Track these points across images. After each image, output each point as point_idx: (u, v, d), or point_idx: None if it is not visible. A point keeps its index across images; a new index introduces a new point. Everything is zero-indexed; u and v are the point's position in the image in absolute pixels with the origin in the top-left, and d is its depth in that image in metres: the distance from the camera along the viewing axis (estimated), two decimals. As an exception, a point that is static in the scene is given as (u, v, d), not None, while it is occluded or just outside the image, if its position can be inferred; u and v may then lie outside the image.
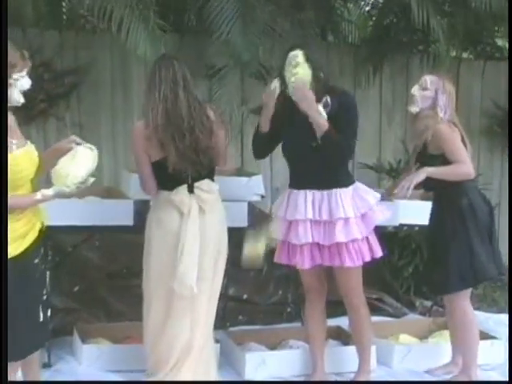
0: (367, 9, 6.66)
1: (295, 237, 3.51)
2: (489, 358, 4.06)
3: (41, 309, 2.95)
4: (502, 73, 5.85)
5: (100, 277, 4.52)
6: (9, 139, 2.78)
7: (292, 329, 4.38)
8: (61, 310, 4.23)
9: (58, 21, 5.18)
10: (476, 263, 3.66)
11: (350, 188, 3.53)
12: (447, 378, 3.86)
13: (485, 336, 4.24)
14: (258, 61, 5.01)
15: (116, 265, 4.56)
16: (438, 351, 4.08)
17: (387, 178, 5.70)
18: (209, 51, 4.94)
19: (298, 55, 3.43)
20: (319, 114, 3.41)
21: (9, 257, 2.75)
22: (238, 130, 5.67)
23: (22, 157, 2.82)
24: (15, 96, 2.81)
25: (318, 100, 3.43)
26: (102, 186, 4.41)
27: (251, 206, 4.11)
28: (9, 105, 2.79)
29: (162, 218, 3.41)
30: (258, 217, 4.53)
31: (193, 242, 3.34)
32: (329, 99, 3.45)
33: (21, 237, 2.82)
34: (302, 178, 3.53)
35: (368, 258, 3.54)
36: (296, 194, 3.54)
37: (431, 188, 3.79)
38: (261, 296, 4.72)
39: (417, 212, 4.16)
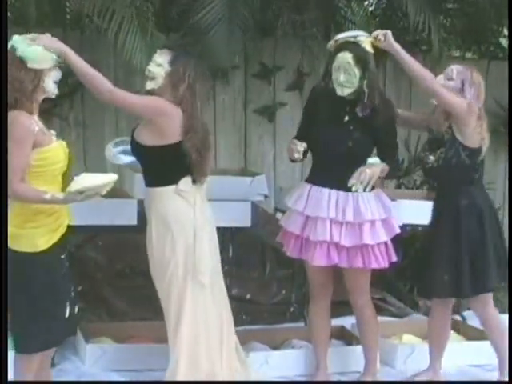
0: (371, 9, 6.64)
1: (313, 233, 3.50)
2: (492, 358, 4.05)
3: (68, 305, 3.02)
4: (506, 73, 5.84)
5: (103, 277, 4.52)
6: (49, 131, 2.96)
7: (295, 328, 4.38)
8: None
9: (61, 20, 5.18)
10: (479, 271, 3.57)
11: (374, 192, 3.54)
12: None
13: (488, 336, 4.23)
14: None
15: (119, 265, 4.56)
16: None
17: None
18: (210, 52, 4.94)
19: (348, 59, 3.39)
20: None
21: (39, 250, 2.87)
22: (242, 131, 5.69)
23: (58, 149, 2.96)
24: (51, 87, 2.95)
25: (363, 108, 3.44)
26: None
27: (254, 206, 4.12)
28: (45, 96, 2.96)
29: (174, 210, 3.34)
30: (262, 216, 4.54)
31: (203, 230, 3.34)
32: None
33: (51, 231, 2.93)
34: (327, 176, 3.50)
35: (394, 259, 3.57)
36: (318, 190, 3.52)
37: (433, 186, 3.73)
38: (264, 296, 4.72)
39: (420, 212, 4.13)
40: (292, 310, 4.74)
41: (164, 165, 3.31)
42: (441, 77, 3.56)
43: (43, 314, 2.91)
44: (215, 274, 3.41)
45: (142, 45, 4.37)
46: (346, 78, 3.41)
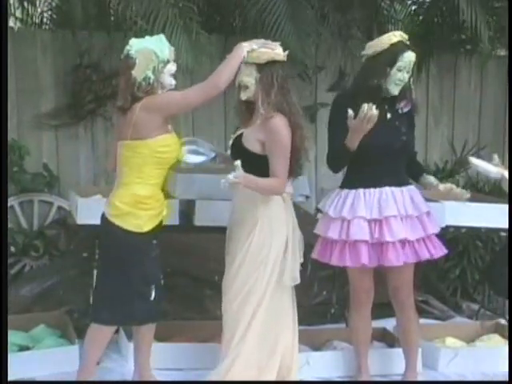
0: (414, 8, 6.58)
1: (389, 234, 3.41)
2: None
3: (154, 288, 3.17)
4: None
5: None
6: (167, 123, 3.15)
7: (336, 329, 4.36)
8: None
9: (106, 22, 5.25)
10: None
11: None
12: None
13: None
14: (312, 60, 5.04)
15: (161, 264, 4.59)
16: (487, 355, 4.01)
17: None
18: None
19: (413, 57, 3.44)
20: None
21: (142, 230, 3.06)
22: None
23: (172, 139, 3.15)
24: (167, 80, 3.11)
25: (407, 104, 3.54)
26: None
27: (296, 207, 4.10)
28: (163, 90, 3.11)
29: (280, 212, 3.39)
30: (303, 217, 4.52)
31: (295, 231, 3.46)
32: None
33: (155, 216, 3.13)
34: (383, 175, 3.48)
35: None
36: (376, 192, 3.47)
37: None
38: (305, 297, 4.69)
39: (464, 213, 4.10)
40: (333, 310, 4.71)
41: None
42: None
43: (128, 290, 3.06)
44: None
45: (187, 44, 4.41)
46: (406, 77, 3.46)
